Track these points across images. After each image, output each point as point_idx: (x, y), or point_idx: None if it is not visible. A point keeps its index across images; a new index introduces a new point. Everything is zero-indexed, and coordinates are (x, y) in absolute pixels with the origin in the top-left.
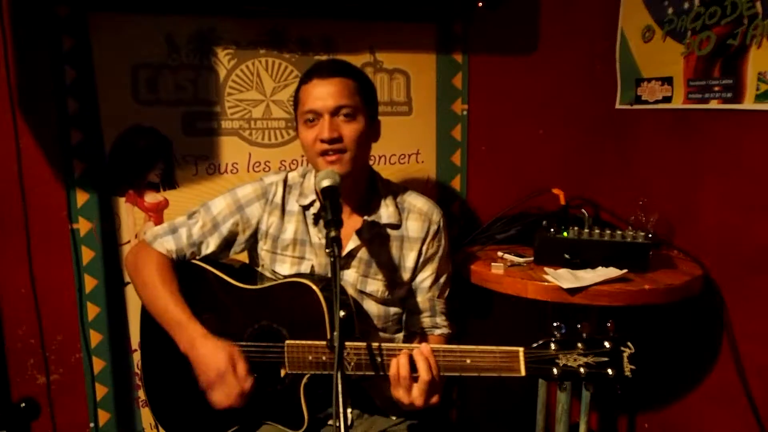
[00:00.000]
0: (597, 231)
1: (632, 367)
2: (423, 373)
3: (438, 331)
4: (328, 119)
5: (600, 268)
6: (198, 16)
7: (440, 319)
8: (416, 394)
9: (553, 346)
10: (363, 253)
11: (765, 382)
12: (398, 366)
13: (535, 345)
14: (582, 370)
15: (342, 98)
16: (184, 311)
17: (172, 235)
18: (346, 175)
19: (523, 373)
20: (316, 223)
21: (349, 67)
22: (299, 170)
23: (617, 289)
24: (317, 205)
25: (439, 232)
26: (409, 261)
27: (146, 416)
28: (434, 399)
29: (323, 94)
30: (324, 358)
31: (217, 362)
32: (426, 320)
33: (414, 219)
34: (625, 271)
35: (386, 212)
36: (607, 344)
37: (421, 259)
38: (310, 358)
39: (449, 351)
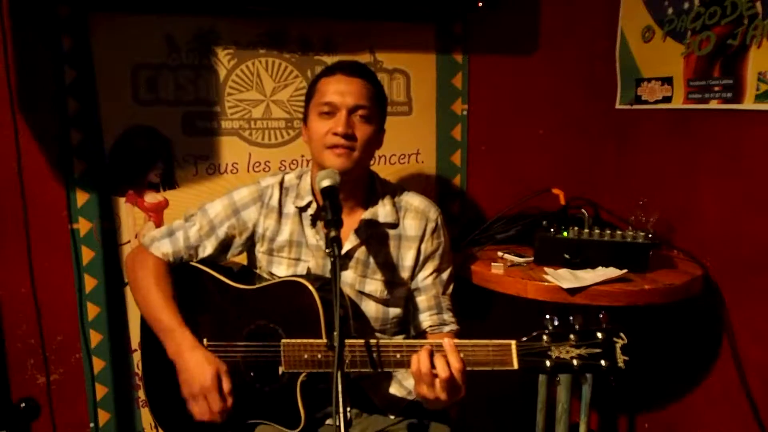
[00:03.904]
0: (597, 231)
1: (625, 358)
2: (441, 371)
3: (447, 328)
4: (345, 114)
5: (600, 268)
6: (198, 16)
7: (447, 316)
8: (439, 390)
9: (545, 338)
10: (361, 254)
11: (765, 382)
12: (419, 362)
13: (527, 338)
14: (575, 362)
15: (362, 99)
16: (176, 318)
17: (169, 239)
18: (348, 174)
19: (516, 366)
20: (313, 224)
21: (371, 73)
22: (296, 172)
23: (617, 289)
24: (314, 206)
25: (438, 230)
26: (408, 260)
27: (146, 416)
28: (460, 394)
29: (345, 90)
30: (320, 356)
31: (203, 376)
32: (434, 318)
33: (411, 218)
34: (625, 271)
35: (383, 211)
36: (599, 335)
37: (421, 258)
38: (306, 356)
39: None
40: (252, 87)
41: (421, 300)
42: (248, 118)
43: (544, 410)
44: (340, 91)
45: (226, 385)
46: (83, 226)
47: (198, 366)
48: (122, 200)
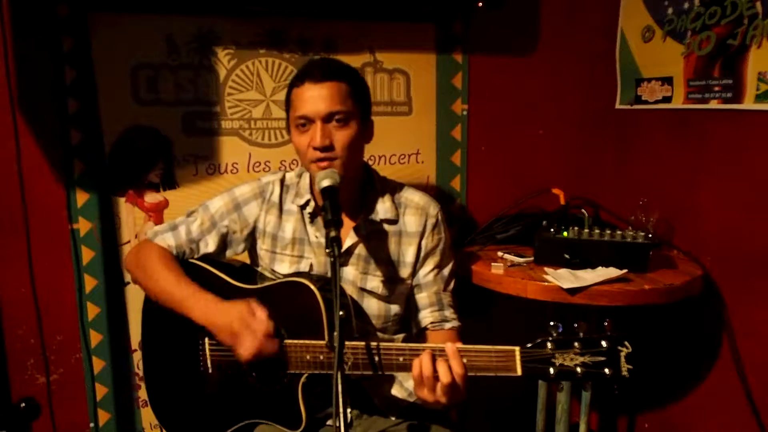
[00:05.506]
0: (597, 231)
1: (629, 366)
2: (443, 376)
3: (448, 325)
4: (320, 125)
5: (600, 268)
6: (198, 16)
7: (449, 312)
8: (440, 394)
9: (549, 345)
10: (361, 250)
11: (765, 382)
12: (421, 366)
13: (531, 344)
14: (579, 369)
15: (334, 104)
16: (192, 286)
17: (172, 232)
18: (340, 180)
19: (519, 372)
20: (312, 221)
21: (341, 69)
22: (296, 170)
23: (617, 289)
24: (312, 204)
25: (438, 225)
26: (409, 256)
27: (146, 416)
28: (460, 397)
29: (315, 99)
30: (322, 357)
31: (238, 311)
32: (435, 314)
33: (411, 213)
34: (625, 271)
35: (383, 208)
36: (604, 343)
37: (422, 254)
38: (308, 357)
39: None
40: (252, 87)
41: (422, 296)
42: (248, 118)
43: (544, 411)
44: (312, 101)
45: (260, 312)
46: (83, 226)
47: (229, 308)
48: (122, 200)
